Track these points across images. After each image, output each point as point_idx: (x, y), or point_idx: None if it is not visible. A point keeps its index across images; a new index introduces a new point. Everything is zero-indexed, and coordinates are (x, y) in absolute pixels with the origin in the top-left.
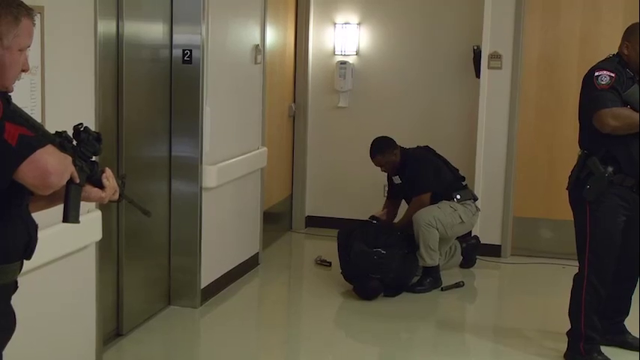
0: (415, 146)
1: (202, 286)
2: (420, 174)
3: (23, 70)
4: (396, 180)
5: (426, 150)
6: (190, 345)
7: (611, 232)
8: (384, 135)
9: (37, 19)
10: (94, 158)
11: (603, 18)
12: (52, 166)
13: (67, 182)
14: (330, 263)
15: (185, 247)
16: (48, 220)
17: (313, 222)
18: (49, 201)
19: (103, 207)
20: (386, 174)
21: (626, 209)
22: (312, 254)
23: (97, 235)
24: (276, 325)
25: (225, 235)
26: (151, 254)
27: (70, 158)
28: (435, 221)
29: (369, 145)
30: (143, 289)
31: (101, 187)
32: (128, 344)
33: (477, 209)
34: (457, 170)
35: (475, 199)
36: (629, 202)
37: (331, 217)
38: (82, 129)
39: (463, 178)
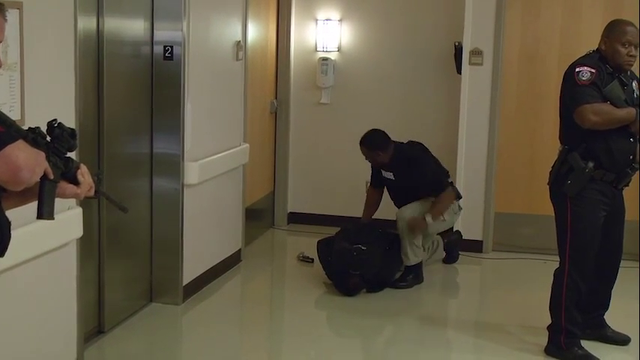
0: (407, 141)
1: (184, 283)
2: (433, 175)
3: None
4: (388, 176)
5: (423, 150)
6: (172, 342)
7: (592, 227)
8: (377, 129)
9: (16, 14)
10: (69, 154)
11: (583, 14)
12: (22, 160)
13: (41, 178)
14: (312, 260)
15: (167, 244)
16: (28, 217)
17: (295, 218)
18: (22, 198)
19: (84, 204)
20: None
21: (606, 204)
22: (294, 251)
23: (78, 232)
24: (258, 321)
25: (206, 232)
26: (132, 251)
27: (43, 154)
28: None
29: (359, 137)
30: (124, 286)
31: (76, 183)
32: (109, 342)
33: (460, 208)
34: (447, 172)
35: (459, 197)
36: (609, 198)
37: (313, 214)
38: (55, 125)
39: (449, 176)
